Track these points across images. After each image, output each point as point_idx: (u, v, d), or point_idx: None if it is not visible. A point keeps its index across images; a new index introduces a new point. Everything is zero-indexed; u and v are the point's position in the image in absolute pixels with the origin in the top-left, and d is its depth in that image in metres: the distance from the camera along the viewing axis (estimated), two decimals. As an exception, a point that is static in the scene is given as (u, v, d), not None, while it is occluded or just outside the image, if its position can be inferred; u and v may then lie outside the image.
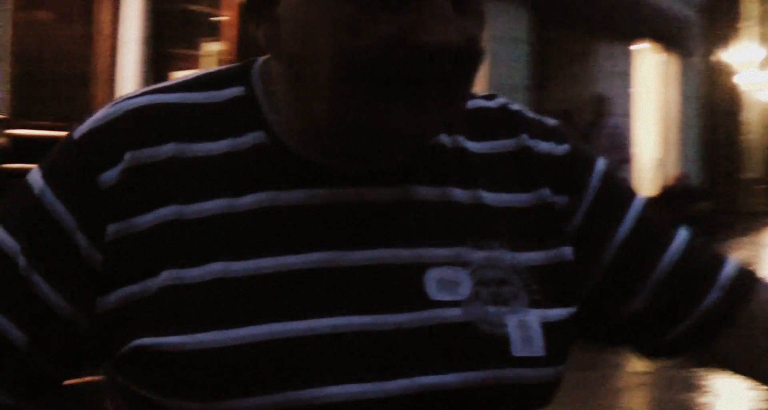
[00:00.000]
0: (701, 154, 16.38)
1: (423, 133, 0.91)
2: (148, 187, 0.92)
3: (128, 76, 4.74)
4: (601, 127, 10.32)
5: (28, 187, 0.94)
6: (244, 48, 5.72)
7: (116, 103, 0.97)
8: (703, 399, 6.10)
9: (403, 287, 0.93)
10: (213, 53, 6.38)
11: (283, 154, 0.95)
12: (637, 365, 6.85)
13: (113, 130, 0.94)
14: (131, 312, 0.89)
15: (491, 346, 0.92)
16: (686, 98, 15.68)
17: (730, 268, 1.07)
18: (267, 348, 0.87)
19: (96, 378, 1.06)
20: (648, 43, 14.05)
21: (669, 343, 1.06)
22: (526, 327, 0.95)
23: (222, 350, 0.86)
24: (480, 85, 8.94)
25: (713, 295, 1.04)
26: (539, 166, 1.03)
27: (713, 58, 17.40)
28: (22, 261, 0.92)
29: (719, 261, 1.08)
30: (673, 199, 13.32)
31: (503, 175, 1.02)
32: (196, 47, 6.18)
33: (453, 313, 0.92)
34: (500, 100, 1.08)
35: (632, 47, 13.55)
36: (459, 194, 0.98)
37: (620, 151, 10.44)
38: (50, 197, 0.92)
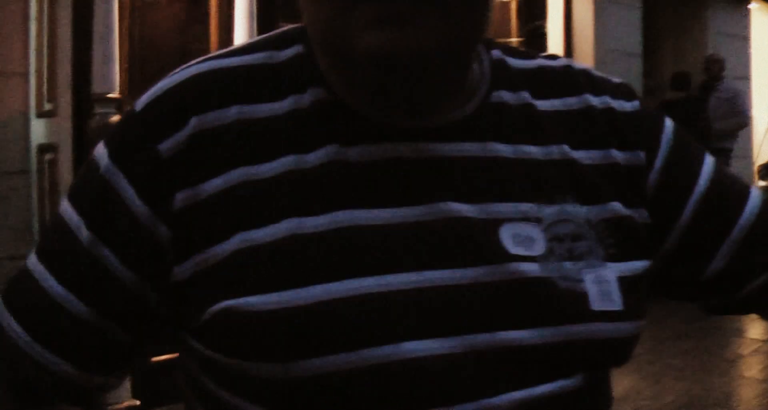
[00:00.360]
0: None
1: (408, 52, 0.87)
2: (214, 151, 0.92)
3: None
4: (718, 91, 10.04)
5: (94, 163, 0.96)
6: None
7: (175, 73, 0.98)
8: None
9: (480, 241, 0.93)
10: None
11: (343, 109, 0.95)
12: (753, 332, 6.73)
13: (174, 98, 0.95)
14: (207, 278, 0.90)
15: (570, 302, 0.93)
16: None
17: None
18: (343, 305, 0.87)
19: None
20: (765, 2, 13.65)
21: (742, 300, 1.09)
22: (603, 281, 0.95)
23: (299, 308, 0.87)
24: (591, 51, 8.83)
25: None
26: (607, 123, 1.04)
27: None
28: (86, 235, 0.94)
29: None
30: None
31: (572, 132, 1.02)
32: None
33: (531, 268, 0.93)
34: (563, 60, 1.10)
35: (749, 6, 13.17)
36: (528, 149, 0.99)
37: (739, 116, 10.17)
38: (114, 171, 0.93)
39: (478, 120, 0.98)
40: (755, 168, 13.01)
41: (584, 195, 0.99)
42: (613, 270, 0.96)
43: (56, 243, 0.98)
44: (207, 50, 4.89)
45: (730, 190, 1.09)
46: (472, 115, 0.98)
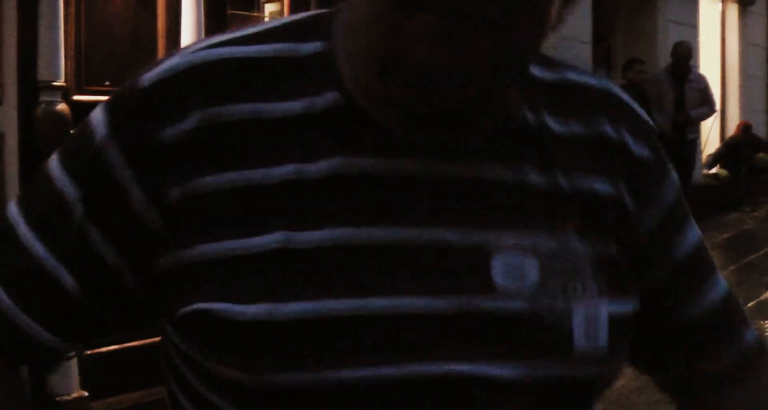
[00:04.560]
0: (764, 105, 16.06)
1: (456, 70, 0.83)
2: (216, 147, 0.89)
3: (189, 39, 4.74)
4: (691, 81, 10.12)
5: (91, 131, 0.93)
6: (297, 8, 5.70)
7: (189, 53, 0.94)
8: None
9: (469, 271, 0.90)
10: (275, 15, 6.38)
11: (358, 117, 0.91)
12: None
13: (183, 83, 0.91)
14: (189, 275, 0.89)
15: (553, 339, 0.91)
16: (748, 47, 15.37)
17: (751, 334, 1.10)
18: (321, 324, 0.85)
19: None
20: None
21: (674, 380, 1.10)
22: (592, 319, 0.93)
23: (276, 323, 0.85)
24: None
25: (732, 352, 1.08)
26: (619, 159, 1.00)
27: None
28: (79, 208, 0.92)
29: (744, 322, 1.11)
30: (736, 149, 13.12)
31: (583, 160, 0.98)
32: (258, 8, 6.19)
33: (517, 303, 0.90)
34: (594, 78, 1.05)
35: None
36: (536, 178, 0.95)
37: (710, 105, 10.31)
38: (111, 146, 0.90)
39: (495, 142, 0.95)
40: (704, 156, 13.18)
41: (586, 229, 0.96)
42: (604, 309, 0.94)
43: (40, 202, 0.96)
44: (155, 37, 4.84)
45: (703, 270, 1.08)
46: (490, 136, 0.95)
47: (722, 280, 1.10)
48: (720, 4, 14.76)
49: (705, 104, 10.13)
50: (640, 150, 1.02)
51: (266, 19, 6.24)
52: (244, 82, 0.91)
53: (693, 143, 10.74)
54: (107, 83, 4.68)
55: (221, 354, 0.87)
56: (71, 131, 4.29)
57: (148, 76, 0.92)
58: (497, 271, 0.90)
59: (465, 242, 0.90)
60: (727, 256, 9.23)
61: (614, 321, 0.95)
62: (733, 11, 15.18)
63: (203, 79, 0.91)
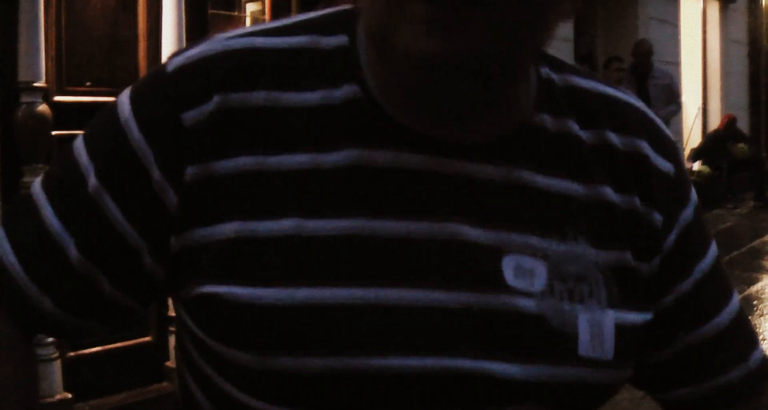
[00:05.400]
0: (745, 102, 16.12)
1: (451, 57, 0.84)
2: (233, 132, 0.91)
3: (170, 40, 4.73)
4: (654, 77, 10.09)
5: (115, 111, 0.95)
6: (278, 8, 5.70)
7: (216, 41, 0.96)
8: None
9: (480, 268, 0.91)
10: (256, 15, 6.36)
11: (376, 111, 0.93)
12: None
13: (206, 69, 0.93)
14: (199, 256, 0.90)
15: (559, 342, 0.91)
16: (729, 44, 15.43)
17: (758, 354, 1.09)
18: (329, 311, 0.86)
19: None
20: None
21: (662, 401, 1.10)
22: (598, 326, 0.94)
23: (282, 308, 0.86)
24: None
25: (737, 373, 1.07)
26: (636, 171, 1.01)
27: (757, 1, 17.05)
28: (93, 182, 0.94)
29: (754, 341, 1.10)
30: (719, 143, 13.16)
31: (602, 169, 0.99)
32: (240, 8, 6.17)
33: (526, 303, 0.91)
34: (627, 95, 1.06)
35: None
36: (551, 182, 0.96)
37: (676, 102, 10.27)
38: (134, 127, 0.93)
39: (511, 142, 0.96)
40: (686, 152, 13.22)
41: (599, 238, 0.97)
42: (611, 317, 0.95)
43: (63, 181, 0.98)
44: (135, 38, 4.82)
45: (717, 288, 1.08)
46: (507, 137, 0.95)
47: (736, 296, 1.10)
48: (701, 1, 14.82)
49: (671, 102, 10.11)
50: (663, 164, 1.03)
51: (247, 19, 6.23)
52: (266, 71, 0.93)
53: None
54: (88, 84, 4.65)
55: (230, 337, 0.89)
56: (52, 132, 4.29)
57: (175, 61, 0.95)
58: (508, 271, 0.91)
59: (478, 239, 0.91)
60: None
61: (624, 330, 0.96)
62: (714, 8, 15.24)
63: (226, 66, 0.93)
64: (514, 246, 0.92)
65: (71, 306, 0.99)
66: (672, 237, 1.02)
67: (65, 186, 0.97)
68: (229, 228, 0.89)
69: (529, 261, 0.92)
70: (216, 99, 0.91)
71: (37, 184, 1.00)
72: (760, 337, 6.31)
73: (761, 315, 6.92)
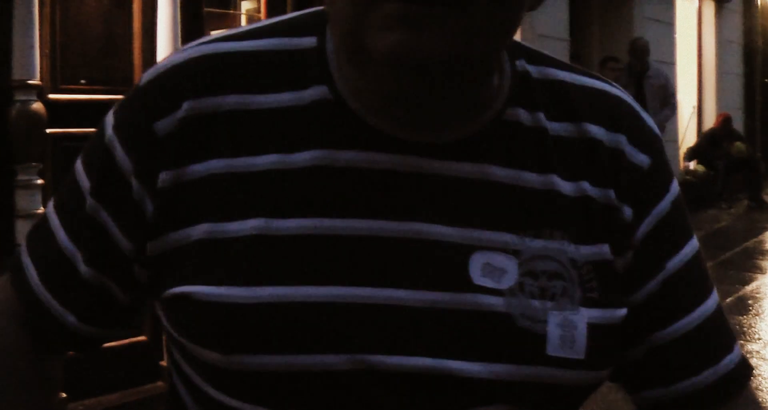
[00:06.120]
0: (740, 102, 16.14)
1: (422, 55, 0.83)
2: (204, 136, 0.92)
3: (165, 38, 4.72)
4: (650, 77, 10.06)
5: (103, 128, 0.99)
6: (273, 6, 5.69)
7: (184, 50, 0.98)
8: None
9: (446, 266, 0.90)
10: (251, 13, 6.36)
11: (344, 112, 0.93)
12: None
13: (174, 78, 0.95)
14: (171, 259, 0.93)
15: (526, 342, 0.90)
16: (724, 44, 15.45)
17: (734, 358, 1.05)
18: (293, 309, 0.87)
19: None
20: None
21: (650, 400, 1.05)
22: (569, 326, 0.92)
23: (247, 306, 0.87)
24: (519, 36, 8.88)
25: (707, 376, 1.03)
26: (612, 164, 0.99)
27: (752, 2, 17.07)
28: (89, 199, 0.98)
29: (728, 345, 1.06)
30: (715, 142, 13.17)
31: (578, 163, 0.98)
32: (234, 6, 6.16)
33: (492, 301, 0.90)
34: (608, 85, 1.05)
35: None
36: (528, 178, 0.95)
37: (671, 105, 10.24)
38: (116, 142, 0.96)
39: (483, 139, 0.95)
40: (681, 151, 13.23)
41: (576, 232, 0.95)
42: (584, 316, 0.93)
43: (69, 200, 1.02)
44: (131, 36, 4.81)
45: (694, 283, 1.04)
46: (478, 133, 0.95)
47: (714, 298, 1.06)
48: (696, 1, 14.83)
49: (666, 105, 10.07)
50: (637, 156, 1.01)
51: (242, 17, 6.22)
52: (235, 74, 0.94)
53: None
54: (83, 82, 4.65)
55: (199, 335, 0.90)
56: (46, 130, 4.28)
57: (146, 75, 0.98)
58: (475, 269, 0.91)
59: (446, 237, 0.91)
60: (704, 253, 9.24)
61: (598, 329, 0.94)
62: (709, 8, 15.26)
63: (195, 72, 0.94)
64: (484, 243, 0.91)
65: (93, 318, 1.04)
66: (642, 230, 1.00)
67: (70, 205, 1.01)
68: (199, 230, 0.91)
69: (499, 258, 0.91)
70: (185, 105, 0.93)
71: (51, 205, 1.05)
72: (756, 337, 6.31)
73: (756, 315, 6.92)
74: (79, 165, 1.01)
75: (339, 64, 0.94)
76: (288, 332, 0.87)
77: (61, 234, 1.01)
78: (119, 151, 0.95)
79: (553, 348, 0.91)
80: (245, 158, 0.92)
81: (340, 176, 0.91)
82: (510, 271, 0.91)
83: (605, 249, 0.96)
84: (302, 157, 0.91)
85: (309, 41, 0.96)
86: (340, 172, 0.91)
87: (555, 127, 0.98)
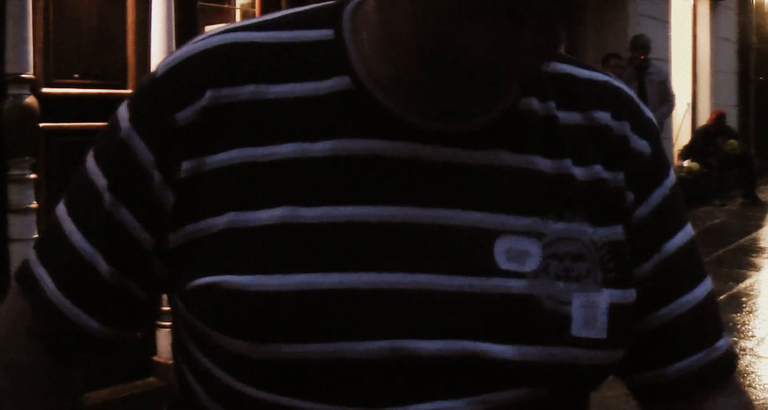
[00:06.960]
0: (735, 99, 16.16)
1: (507, 67, 0.85)
2: (224, 127, 0.93)
3: (159, 32, 4.71)
4: (650, 74, 10.06)
5: (116, 124, 0.98)
6: (266, 1, 5.68)
7: (199, 40, 0.98)
8: None
9: (472, 252, 0.92)
10: (246, 8, 6.35)
11: (367, 101, 0.94)
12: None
13: (193, 68, 0.95)
14: (195, 249, 0.92)
15: (551, 323, 0.92)
16: (719, 41, 15.46)
17: (722, 345, 1.08)
18: (323, 296, 0.88)
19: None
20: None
21: (642, 383, 1.08)
22: (592, 306, 0.94)
23: (277, 294, 0.88)
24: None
25: (701, 357, 1.06)
26: (618, 149, 1.02)
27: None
28: (108, 197, 0.97)
29: (720, 330, 1.09)
30: (709, 139, 13.18)
31: (589, 148, 1.01)
32: (229, 1, 6.15)
33: (517, 285, 0.92)
34: (597, 72, 1.08)
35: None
36: (543, 163, 0.97)
37: (670, 101, 10.25)
38: (134, 135, 0.95)
39: (500, 127, 0.97)
40: (675, 150, 13.25)
41: (595, 214, 0.98)
42: (606, 297, 0.96)
43: (82, 200, 1.01)
44: (124, 30, 4.80)
45: (688, 268, 1.07)
46: (496, 122, 0.97)
47: (707, 284, 1.09)
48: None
49: (665, 102, 10.10)
50: (640, 144, 1.04)
51: (237, 11, 6.21)
52: (253, 64, 0.95)
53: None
54: (76, 76, 4.64)
55: (227, 325, 0.90)
56: (40, 124, 4.27)
57: (163, 65, 0.97)
58: (499, 253, 0.93)
59: (468, 224, 0.93)
60: (698, 250, 9.26)
61: (618, 308, 0.96)
62: (704, 6, 15.29)
63: (214, 62, 0.95)
64: (507, 227, 0.93)
65: (115, 320, 1.04)
66: (641, 214, 1.03)
67: (85, 207, 1.00)
68: (223, 220, 0.91)
69: (522, 242, 0.93)
70: (207, 95, 0.93)
71: (61, 209, 1.03)
72: (749, 334, 6.33)
73: (750, 313, 6.93)
74: (91, 164, 1.00)
75: (362, 56, 0.95)
76: (319, 320, 0.88)
77: (77, 237, 1.00)
78: (138, 143, 0.94)
79: (577, 329, 0.93)
80: (266, 147, 0.92)
81: (364, 164, 0.92)
82: (534, 254, 0.94)
83: (619, 230, 0.99)
84: (325, 146, 0.92)
85: (325, 33, 0.97)
86: (364, 161, 0.92)
87: (565, 116, 1.01)
